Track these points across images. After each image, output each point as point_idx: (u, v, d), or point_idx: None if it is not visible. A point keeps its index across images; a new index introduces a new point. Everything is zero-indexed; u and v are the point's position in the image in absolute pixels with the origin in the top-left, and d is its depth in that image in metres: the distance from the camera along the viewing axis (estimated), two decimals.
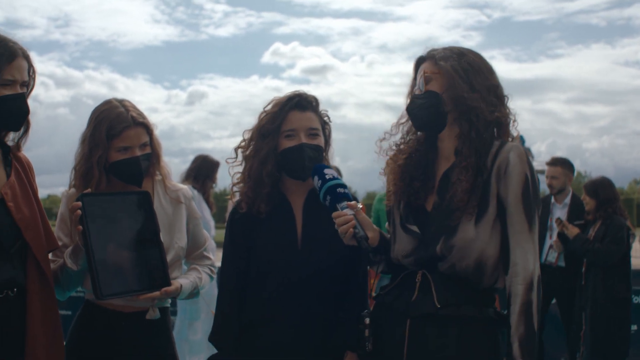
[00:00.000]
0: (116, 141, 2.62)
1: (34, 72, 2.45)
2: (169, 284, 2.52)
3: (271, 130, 2.52)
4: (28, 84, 2.43)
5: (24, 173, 2.47)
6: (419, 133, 2.47)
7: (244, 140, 2.61)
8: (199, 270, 2.81)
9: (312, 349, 2.46)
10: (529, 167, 2.25)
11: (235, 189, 2.62)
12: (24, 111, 2.41)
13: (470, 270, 2.23)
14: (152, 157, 2.73)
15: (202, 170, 6.02)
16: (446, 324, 2.21)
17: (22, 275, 2.35)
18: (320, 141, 2.56)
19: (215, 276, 2.88)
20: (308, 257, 2.49)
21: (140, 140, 2.66)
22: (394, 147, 2.50)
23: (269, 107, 2.57)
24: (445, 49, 2.38)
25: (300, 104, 2.54)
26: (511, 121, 2.38)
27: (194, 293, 2.73)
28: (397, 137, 2.50)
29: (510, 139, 2.36)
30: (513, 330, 2.15)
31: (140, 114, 2.69)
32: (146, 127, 2.69)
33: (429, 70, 2.36)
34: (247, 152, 2.59)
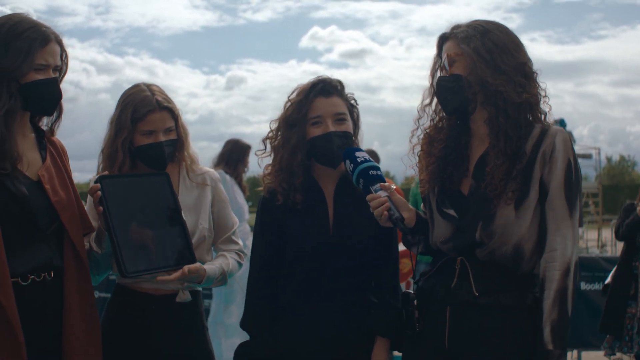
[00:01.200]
0: (140, 125, 2.62)
1: (66, 56, 2.47)
2: (195, 262, 2.49)
3: (298, 119, 2.51)
4: (61, 69, 2.46)
5: (58, 157, 2.51)
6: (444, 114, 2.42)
7: (271, 130, 2.61)
8: (226, 256, 2.77)
9: (345, 334, 2.47)
10: (572, 153, 2.22)
11: (266, 180, 2.61)
12: (57, 96, 2.43)
13: (508, 255, 2.21)
14: (177, 143, 2.72)
15: (233, 154, 6.06)
16: (485, 313, 2.20)
17: (58, 257, 2.39)
18: (348, 126, 2.55)
19: (243, 261, 2.86)
20: (340, 243, 2.49)
21: (165, 124, 2.66)
22: (423, 133, 2.45)
23: (294, 95, 2.57)
24: (468, 27, 2.31)
25: (324, 89, 2.53)
26: (541, 97, 2.31)
27: (221, 280, 2.70)
28: (425, 121, 2.46)
29: (542, 116, 2.30)
30: (546, 316, 2.12)
31: (167, 99, 2.68)
32: (172, 112, 2.68)
33: (453, 52, 2.31)
34: (276, 143, 2.58)
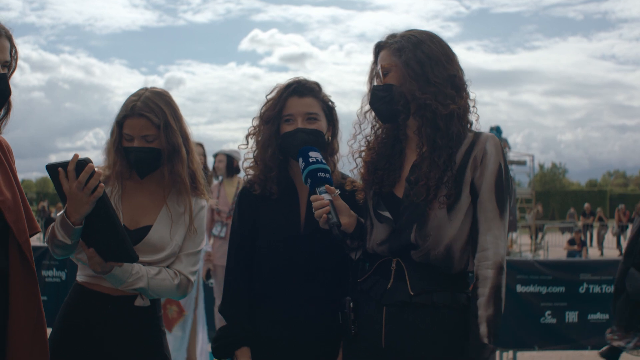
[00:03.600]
0: (123, 128, 2.65)
1: (16, 52, 2.42)
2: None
3: (272, 116, 2.63)
4: (10, 65, 2.40)
5: (3, 156, 2.46)
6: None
7: (252, 127, 2.71)
8: (161, 268, 2.66)
9: (314, 328, 2.54)
10: (503, 158, 2.31)
11: (248, 172, 2.73)
12: (5, 92, 2.38)
13: (440, 256, 2.28)
14: (159, 154, 2.65)
15: None
16: (420, 312, 2.27)
17: (3, 258, 2.35)
18: (320, 125, 2.63)
19: (178, 282, 2.68)
20: (310, 241, 2.57)
21: (142, 132, 2.62)
22: (365, 142, 2.54)
23: (271, 94, 2.68)
24: (403, 37, 2.38)
25: (298, 90, 2.63)
26: (470, 107, 2.40)
27: (135, 280, 2.56)
28: (366, 126, 2.54)
29: (468, 125, 2.39)
30: (481, 312, 2.20)
31: (151, 108, 2.64)
32: (151, 121, 2.62)
33: (386, 63, 2.38)
34: (255, 137, 2.70)
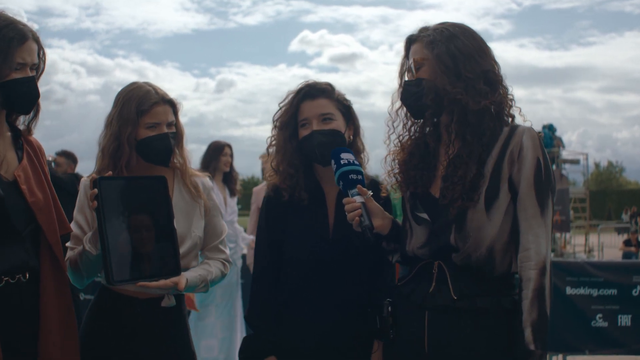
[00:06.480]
0: (146, 117, 2.62)
1: (44, 54, 2.44)
2: (179, 273, 2.47)
3: (286, 122, 2.62)
4: (38, 67, 2.42)
5: (35, 156, 2.47)
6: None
7: (271, 137, 2.71)
8: (210, 265, 2.76)
9: (343, 334, 2.50)
10: (542, 151, 2.21)
11: (270, 179, 2.70)
12: (34, 94, 2.39)
13: (482, 258, 2.20)
14: (177, 137, 2.72)
15: (207, 156, 6.11)
16: (463, 316, 2.20)
17: (34, 259, 2.36)
18: (337, 125, 2.59)
19: (228, 270, 2.85)
20: (339, 246, 2.53)
21: (168, 118, 2.66)
22: (397, 142, 2.48)
23: (284, 102, 2.66)
24: (435, 31, 2.32)
25: (309, 93, 2.61)
26: (508, 101, 2.31)
27: (203, 288, 2.68)
28: (398, 124, 2.48)
29: (509, 119, 2.31)
30: (525, 316, 2.12)
31: (166, 94, 2.70)
32: (173, 106, 2.70)
33: (418, 56, 2.32)
34: (274, 146, 2.68)
